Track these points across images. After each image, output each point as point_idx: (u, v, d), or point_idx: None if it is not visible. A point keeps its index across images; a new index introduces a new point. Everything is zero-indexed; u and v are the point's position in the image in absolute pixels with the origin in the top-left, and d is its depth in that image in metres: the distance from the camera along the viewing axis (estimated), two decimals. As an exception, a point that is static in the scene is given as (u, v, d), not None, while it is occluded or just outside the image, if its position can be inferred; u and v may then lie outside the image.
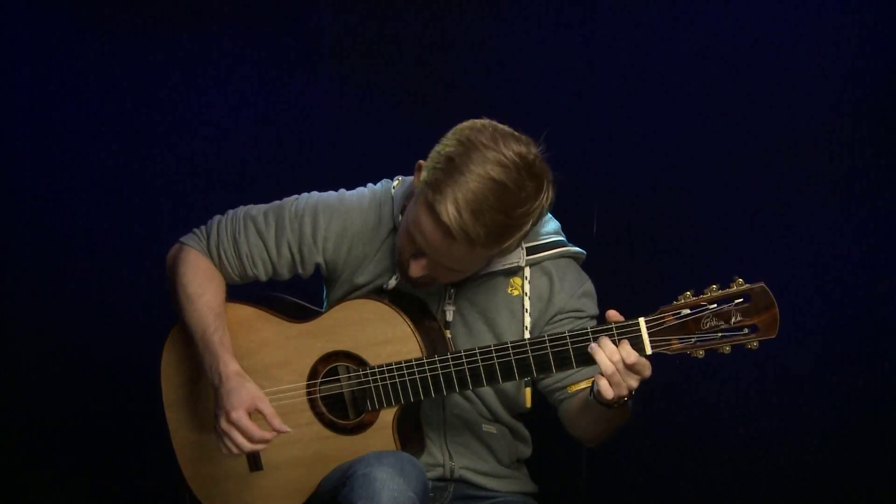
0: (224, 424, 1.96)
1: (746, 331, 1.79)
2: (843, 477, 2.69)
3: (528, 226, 1.89)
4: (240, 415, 1.95)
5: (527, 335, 2.05)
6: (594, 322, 2.11)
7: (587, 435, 2.07)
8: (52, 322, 3.08)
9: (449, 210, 1.80)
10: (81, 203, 3.06)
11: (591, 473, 2.83)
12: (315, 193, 2.15)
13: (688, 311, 1.80)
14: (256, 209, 2.15)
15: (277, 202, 2.15)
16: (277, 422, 1.97)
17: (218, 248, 2.13)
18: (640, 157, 2.82)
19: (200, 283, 2.11)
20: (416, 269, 1.94)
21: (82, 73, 3.03)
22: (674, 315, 1.81)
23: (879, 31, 2.63)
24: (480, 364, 1.91)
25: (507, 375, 1.91)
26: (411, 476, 1.84)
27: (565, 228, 2.22)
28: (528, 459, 2.26)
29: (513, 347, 1.89)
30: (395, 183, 2.11)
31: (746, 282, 1.79)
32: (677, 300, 1.81)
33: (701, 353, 1.82)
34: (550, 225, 2.13)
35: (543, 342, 1.87)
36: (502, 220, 1.82)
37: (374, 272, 2.09)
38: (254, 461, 2.08)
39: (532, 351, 1.88)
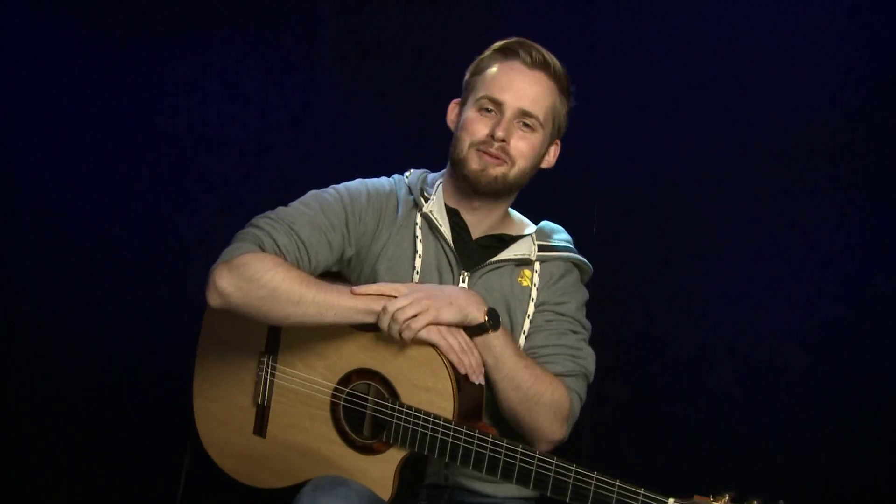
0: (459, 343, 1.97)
1: None
2: (843, 476, 2.69)
3: (569, 103, 2.17)
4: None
5: (527, 324, 2.11)
6: (575, 326, 2.15)
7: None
8: (51, 322, 3.09)
9: (531, 47, 2.09)
10: (81, 202, 3.06)
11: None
12: (333, 185, 2.17)
13: None
14: (290, 206, 2.11)
15: (301, 197, 2.13)
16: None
17: (275, 243, 2.03)
18: (640, 158, 2.83)
19: (276, 269, 1.98)
20: (502, 128, 2.06)
21: (82, 73, 3.03)
22: None
23: (880, 31, 2.64)
24: (502, 458, 1.88)
25: (522, 480, 1.88)
26: None
27: (566, 228, 2.26)
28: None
29: (539, 460, 1.86)
30: (407, 174, 2.22)
31: None
32: (715, 498, 1.78)
33: None
34: (563, 234, 2.24)
35: (569, 472, 1.84)
36: (563, 69, 2.13)
37: (391, 260, 2.12)
38: (259, 425, 2.09)
39: (556, 473, 1.85)
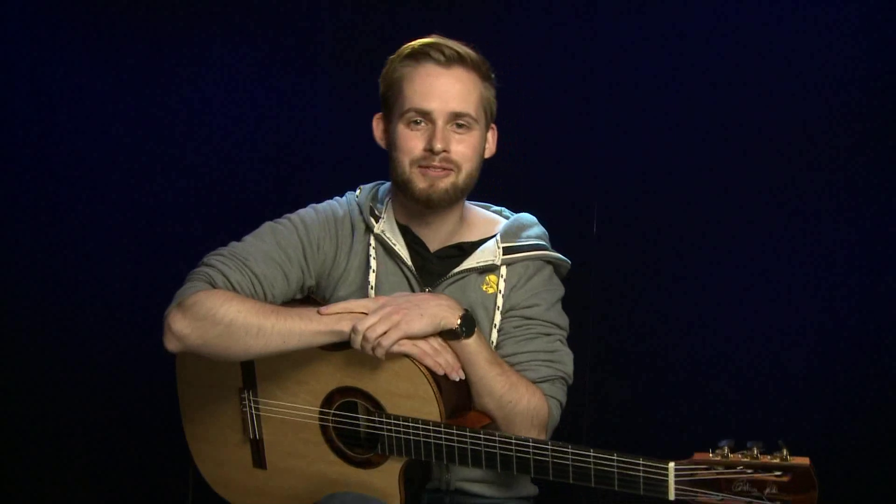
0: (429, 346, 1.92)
1: None
2: (843, 476, 2.69)
3: (494, 86, 2.06)
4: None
5: (494, 334, 2.05)
6: (547, 328, 2.07)
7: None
8: (53, 323, 3.09)
9: (441, 45, 2.01)
10: (81, 202, 3.06)
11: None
12: (287, 215, 2.11)
13: (722, 469, 1.70)
14: (244, 241, 2.06)
15: (257, 230, 2.08)
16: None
17: (227, 280, 1.98)
18: (640, 158, 2.82)
19: (229, 302, 1.94)
20: (439, 140, 1.98)
21: (82, 73, 3.03)
22: (707, 469, 1.71)
23: (880, 31, 2.64)
24: (498, 451, 1.86)
25: (522, 469, 1.85)
26: None
27: (565, 228, 2.23)
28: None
29: (535, 447, 1.84)
30: (357, 192, 2.16)
31: (792, 454, 1.71)
32: (714, 452, 1.73)
33: None
34: (534, 230, 2.14)
35: (566, 454, 1.82)
36: (478, 55, 2.03)
37: (352, 284, 2.08)
38: (257, 458, 2.08)
39: (553, 457, 1.83)
